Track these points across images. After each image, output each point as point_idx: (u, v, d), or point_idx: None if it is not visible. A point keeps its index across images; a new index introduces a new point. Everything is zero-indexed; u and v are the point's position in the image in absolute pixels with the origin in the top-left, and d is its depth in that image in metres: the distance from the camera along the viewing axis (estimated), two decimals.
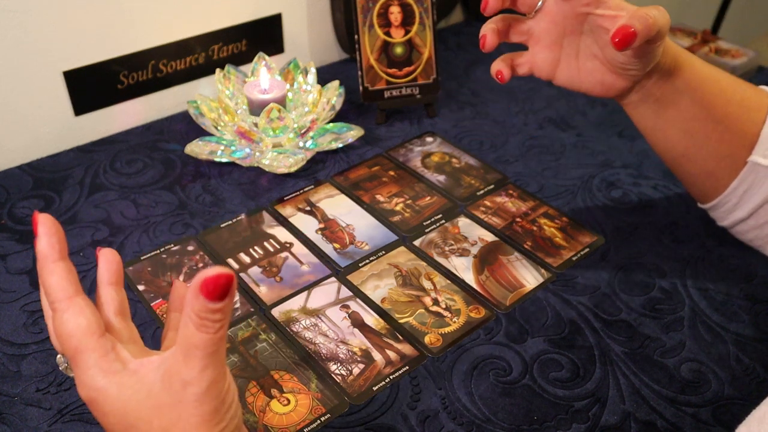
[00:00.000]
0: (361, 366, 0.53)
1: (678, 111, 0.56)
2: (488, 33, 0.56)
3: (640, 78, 0.54)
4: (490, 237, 0.65)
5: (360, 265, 0.62)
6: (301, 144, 0.75)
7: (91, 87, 0.75)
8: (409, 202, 0.69)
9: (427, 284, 0.60)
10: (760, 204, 0.56)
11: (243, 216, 0.67)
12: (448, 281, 0.60)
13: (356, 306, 0.58)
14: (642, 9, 0.48)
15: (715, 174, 0.58)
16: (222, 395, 0.35)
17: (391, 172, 0.74)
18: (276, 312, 0.57)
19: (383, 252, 0.63)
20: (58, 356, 0.41)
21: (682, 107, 0.56)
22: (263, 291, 0.59)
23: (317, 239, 0.64)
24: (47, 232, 0.35)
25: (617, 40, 0.47)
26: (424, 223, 0.67)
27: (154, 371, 0.35)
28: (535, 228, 0.66)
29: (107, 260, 0.40)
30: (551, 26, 0.56)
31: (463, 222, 0.67)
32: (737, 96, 0.56)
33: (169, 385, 0.34)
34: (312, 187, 0.71)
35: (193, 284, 0.32)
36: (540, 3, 0.55)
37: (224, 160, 0.73)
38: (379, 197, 0.70)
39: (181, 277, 0.60)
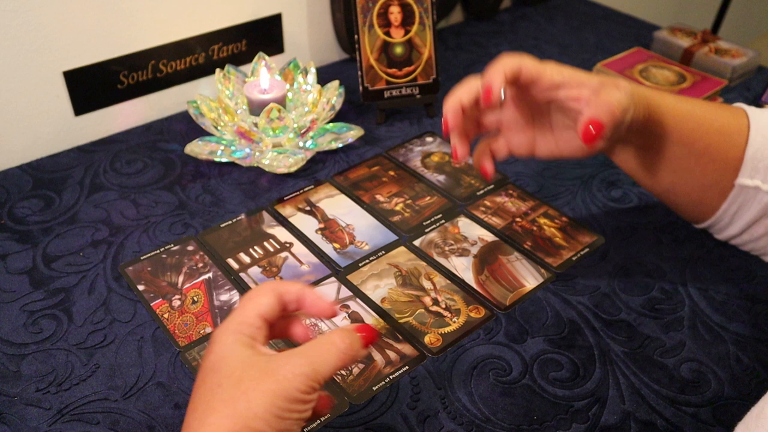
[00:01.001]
0: (361, 366, 0.53)
1: (659, 153, 0.57)
2: (458, 145, 0.55)
3: (617, 137, 0.55)
4: (490, 237, 0.65)
5: (360, 265, 0.62)
6: (301, 144, 0.75)
7: (91, 87, 0.75)
8: (409, 202, 0.69)
9: (427, 284, 0.60)
10: (752, 221, 0.57)
11: (243, 216, 0.67)
12: (448, 281, 0.60)
13: (356, 306, 0.58)
14: (604, 95, 0.49)
15: (703, 201, 0.59)
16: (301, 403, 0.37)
17: (391, 172, 0.74)
18: None
19: (383, 252, 0.63)
20: None
21: (662, 149, 0.56)
22: None
23: (317, 239, 0.64)
24: None
25: (587, 138, 0.48)
26: (424, 223, 0.67)
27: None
28: (535, 228, 0.66)
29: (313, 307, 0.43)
30: (518, 113, 0.57)
31: (463, 222, 0.67)
32: (715, 125, 0.56)
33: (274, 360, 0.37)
34: (312, 187, 0.71)
35: (358, 329, 0.40)
36: (502, 97, 0.52)
37: (224, 160, 0.73)
38: (379, 197, 0.70)
39: (181, 278, 0.60)
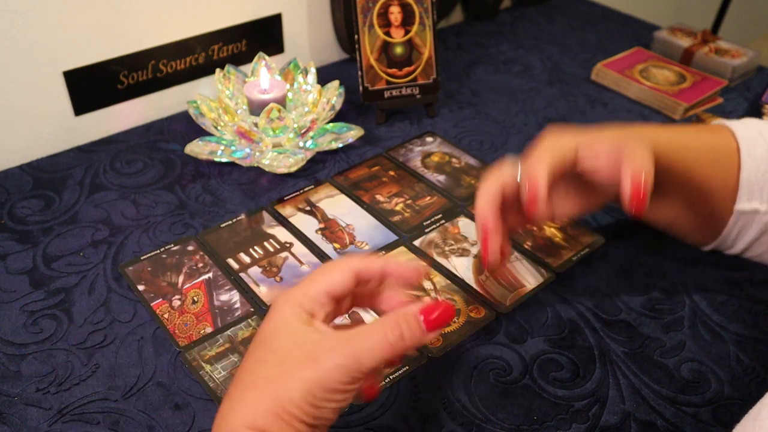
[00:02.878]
0: None
1: (659, 190, 0.55)
2: (492, 249, 0.52)
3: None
4: None
5: None
6: (301, 144, 0.75)
7: (91, 87, 0.75)
8: (409, 202, 0.69)
9: (427, 284, 0.60)
10: (753, 240, 0.58)
11: (243, 216, 0.67)
12: (448, 281, 0.60)
13: None
14: (630, 165, 0.48)
15: (704, 229, 0.59)
16: (341, 393, 0.37)
17: (391, 172, 0.74)
18: None
19: (383, 252, 0.63)
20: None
21: (662, 186, 0.55)
22: (263, 291, 0.59)
23: (317, 239, 0.64)
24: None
25: (636, 211, 0.48)
26: (424, 223, 0.67)
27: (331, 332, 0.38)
28: (535, 228, 0.66)
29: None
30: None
31: (463, 222, 0.67)
32: (710, 156, 0.55)
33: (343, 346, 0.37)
34: (312, 187, 0.71)
35: (419, 318, 0.37)
36: (518, 177, 0.51)
37: (224, 160, 0.73)
38: (379, 197, 0.70)
39: (181, 278, 0.60)
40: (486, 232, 0.51)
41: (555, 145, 0.51)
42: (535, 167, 0.49)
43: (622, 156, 0.49)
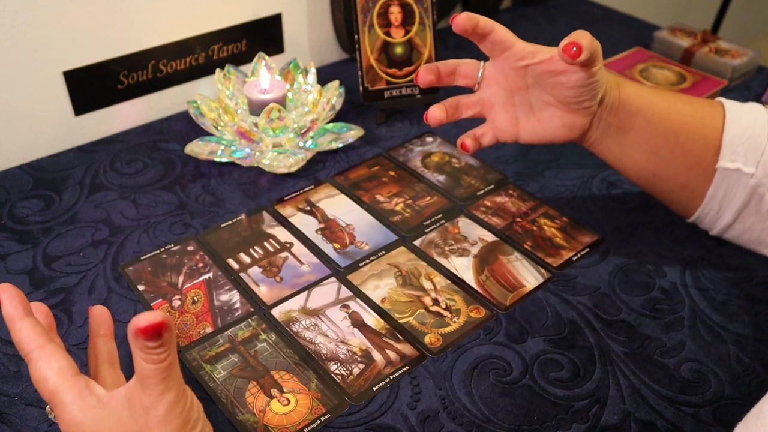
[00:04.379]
0: (361, 366, 0.53)
1: (637, 133, 0.59)
2: (432, 109, 0.60)
3: (595, 109, 0.57)
4: (490, 237, 0.65)
5: (360, 265, 0.62)
6: (301, 144, 0.75)
7: (91, 87, 0.75)
8: (409, 202, 0.69)
9: (427, 284, 0.60)
10: (742, 207, 0.58)
11: (243, 216, 0.67)
12: (448, 281, 0.60)
13: (356, 306, 0.58)
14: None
15: (688, 186, 0.60)
16: (185, 413, 0.38)
17: (391, 172, 0.74)
18: (276, 312, 0.57)
19: (383, 252, 0.63)
20: (47, 407, 0.44)
21: (639, 128, 0.58)
22: (263, 291, 0.59)
23: (317, 239, 0.64)
24: (9, 296, 0.40)
25: (568, 51, 0.52)
26: (424, 223, 0.67)
27: (121, 401, 0.38)
28: (535, 228, 0.66)
29: (98, 315, 0.46)
30: (497, 89, 0.60)
31: (463, 222, 0.67)
32: (687, 107, 0.58)
33: (134, 412, 0.37)
34: (312, 187, 0.71)
35: (130, 329, 0.34)
36: (480, 72, 0.60)
37: (224, 160, 0.73)
38: (379, 197, 0.70)
39: (181, 278, 0.60)
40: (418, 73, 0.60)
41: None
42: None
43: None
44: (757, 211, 0.57)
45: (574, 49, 0.51)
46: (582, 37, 0.52)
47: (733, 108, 0.58)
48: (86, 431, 0.38)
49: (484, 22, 0.57)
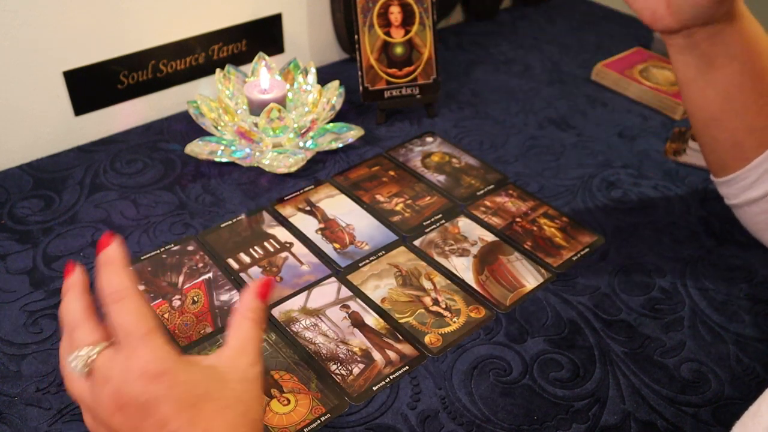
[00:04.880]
0: (361, 366, 0.53)
1: (723, 75, 0.54)
2: None
3: (693, 24, 0.52)
4: (490, 237, 0.65)
5: (360, 265, 0.62)
6: (301, 144, 0.75)
7: (91, 87, 0.75)
8: (409, 202, 0.69)
9: (427, 284, 0.60)
10: None
11: (243, 216, 0.67)
12: (448, 281, 0.60)
13: (356, 306, 0.58)
14: None
15: (742, 145, 0.56)
16: (262, 386, 0.39)
17: (391, 172, 0.74)
18: (276, 312, 0.57)
19: (383, 252, 0.63)
20: (81, 351, 0.38)
21: (727, 72, 0.53)
22: None
23: (317, 239, 0.64)
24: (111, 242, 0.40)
25: None
26: (424, 223, 0.67)
27: (209, 360, 0.38)
28: (535, 228, 0.66)
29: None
30: None
31: (463, 222, 0.67)
32: None
33: (233, 366, 0.38)
34: (312, 187, 0.71)
35: (251, 291, 0.40)
36: None
37: (224, 160, 0.73)
38: (379, 197, 0.70)
39: (181, 278, 0.60)
40: None
41: None
42: None
43: None
44: None
45: None
46: None
47: None
48: (182, 368, 0.36)
49: None
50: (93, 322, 0.39)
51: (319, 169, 0.74)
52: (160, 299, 0.58)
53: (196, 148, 0.73)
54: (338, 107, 0.78)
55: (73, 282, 0.40)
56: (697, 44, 0.53)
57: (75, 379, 0.37)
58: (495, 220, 0.67)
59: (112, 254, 0.39)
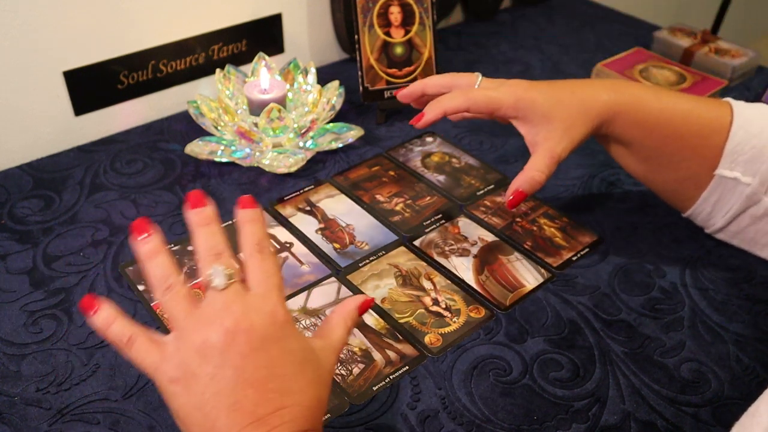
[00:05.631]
0: (361, 366, 0.53)
1: (627, 148, 0.59)
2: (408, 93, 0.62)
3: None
4: (490, 237, 0.65)
5: (360, 265, 0.62)
6: (301, 144, 0.75)
7: (91, 87, 0.75)
8: (409, 202, 0.69)
9: (427, 284, 0.60)
10: (736, 213, 0.58)
11: None
12: (448, 281, 0.60)
13: None
14: (528, 170, 0.57)
15: (679, 192, 0.61)
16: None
17: (391, 172, 0.74)
18: None
19: (383, 252, 0.63)
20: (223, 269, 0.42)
21: (632, 147, 0.59)
22: None
23: (317, 239, 0.64)
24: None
25: (509, 205, 0.58)
26: (424, 223, 0.67)
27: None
28: (535, 228, 0.66)
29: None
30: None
31: (463, 222, 0.67)
32: (694, 128, 0.57)
33: (322, 358, 0.42)
34: (312, 187, 0.71)
35: (356, 301, 0.45)
36: (477, 83, 0.61)
37: (224, 160, 0.73)
38: (379, 197, 0.70)
39: (181, 278, 0.60)
40: (404, 91, 0.62)
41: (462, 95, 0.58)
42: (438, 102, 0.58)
43: (535, 144, 0.58)
44: (752, 215, 0.57)
45: (510, 205, 0.58)
46: (528, 184, 0.57)
47: (743, 113, 0.56)
48: (290, 323, 0.40)
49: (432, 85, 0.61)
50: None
51: (319, 169, 0.74)
52: None
53: (196, 148, 0.73)
54: (338, 107, 0.78)
55: (208, 217, 0.46)
56: (600, 135, 0.60)
57: (181, 299, 0.41)
58: (495, 220, 0.67)
59: (258, 214, 0.45)
